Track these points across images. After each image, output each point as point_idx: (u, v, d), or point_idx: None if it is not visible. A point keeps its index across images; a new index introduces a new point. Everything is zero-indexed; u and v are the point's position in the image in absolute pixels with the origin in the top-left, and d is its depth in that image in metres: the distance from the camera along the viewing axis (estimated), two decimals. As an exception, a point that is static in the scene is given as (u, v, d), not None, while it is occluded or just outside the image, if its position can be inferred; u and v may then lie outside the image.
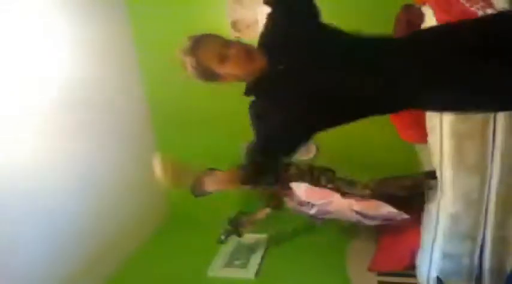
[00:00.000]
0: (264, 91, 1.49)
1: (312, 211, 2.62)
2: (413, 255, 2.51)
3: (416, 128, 2.56)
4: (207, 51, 1.39)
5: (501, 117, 1.96)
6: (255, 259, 2.96)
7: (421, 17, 2.13)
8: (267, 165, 1.62)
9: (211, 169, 2.79)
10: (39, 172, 2.38)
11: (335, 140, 3.34)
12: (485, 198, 2.09)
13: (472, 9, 1.75)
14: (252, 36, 3.17)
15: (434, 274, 2.25)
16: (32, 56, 2.37)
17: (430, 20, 2.00)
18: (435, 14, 1.91)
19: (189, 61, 1.42)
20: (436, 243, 2.23)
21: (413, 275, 2.48)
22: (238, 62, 1.39)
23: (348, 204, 2.53)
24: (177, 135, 3.56)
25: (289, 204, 2.75)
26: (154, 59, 3.40)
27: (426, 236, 2.34)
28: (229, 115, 3.38)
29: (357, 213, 2.50)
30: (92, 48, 2.86)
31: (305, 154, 3.38)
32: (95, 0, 2.94)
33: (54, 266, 2.46)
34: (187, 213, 3.39)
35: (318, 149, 3.39)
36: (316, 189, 2.64)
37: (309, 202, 2.60)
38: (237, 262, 2.97)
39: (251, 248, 3.09)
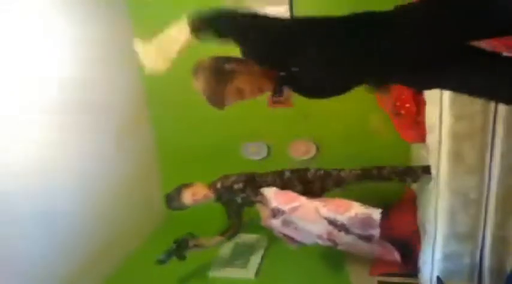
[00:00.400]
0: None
1: (280, 218, 2.51)
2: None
3: (416, 128, 2.56)
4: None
5: (501, 117, 1.96)
6: (255, 259, 2.96)
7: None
8: None
9: (187, 184, 2.77)
10: (38, 172, 2.37)
11: (335, 140, 3.37)
12: (485, 197, 2.09)
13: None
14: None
15: (436, 274, 2.25)
16: (32, 56, 2.37)
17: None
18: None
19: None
20: (436, 244, 2.23)
21: (414, 276, 2.48)
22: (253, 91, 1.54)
23: (315, 207, 2.44)
24: (177, 134, 3.56)
25: (264, 219, 2.65)
26: (154, 58, 3.39)
27: (427, 237, 2.34)
28: (229, 115, 3.38)
29: (328, 221, 2.39)
30: (92, 48, 2.85)
31: (305, 154, 3.39)
32: (95, 0, 2.94)
33: (54, 266, 2.46)
34: (186, 213, 3.38)
35: (317, 149, 3.39)
36: (285, 191, 2.58)
37: (279, 210, 2.50)
38: (237, 262, 2.97)
39: (251, 248, 3.09)
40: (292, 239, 2.59)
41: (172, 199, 2.70)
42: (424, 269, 2.35)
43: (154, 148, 3.67)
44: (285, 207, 2.49)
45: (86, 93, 2.77)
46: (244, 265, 2.93)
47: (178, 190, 2.70)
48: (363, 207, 2.40)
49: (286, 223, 2.51)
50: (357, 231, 2.39)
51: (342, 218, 2.39)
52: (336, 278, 2.69)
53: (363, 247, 2.44)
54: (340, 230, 2.40)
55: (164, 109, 3.54)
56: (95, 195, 2.85)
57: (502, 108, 1.95)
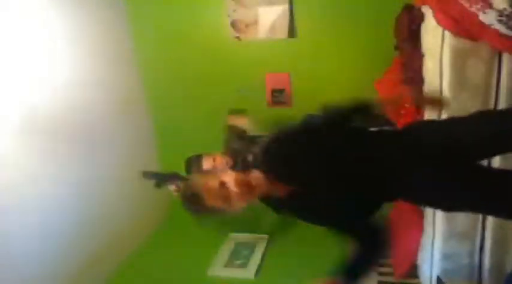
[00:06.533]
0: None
1: None
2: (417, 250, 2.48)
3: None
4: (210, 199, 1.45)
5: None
6: (255, 259, 2.96)
7: (421, 17, 2.14)
8: None
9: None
10: (38, 172, 2.38)
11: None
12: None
13: (472, 9, 1.75)
14: (252, 36, 3.18)
15: (436, 274, 2.25)
16: (32, 56, 2.38)
17: (430, 21, 2.00)
18: (435, 14, 1.91)
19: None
20: (435, 243, 2.23)
21: (414, 276, 2.48)
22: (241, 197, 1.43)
23: None
24: (176, 133, 3.56)
25: None
26: (154, 58, 3.40)
27: (426, 236, 2.34)
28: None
29: None
30: (91, 48, 2.86)
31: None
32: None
33: (54, 266, 2.46)
34: (187, 213, 3.39)
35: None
36: None
37: None
38: (237, 262, 2.97)
39: (251, 248, 3.09)
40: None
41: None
42: (423, 269, 2.36)
43: (155, 148, 3.67)
44: None
45: (85, 93, 2.78)
46: (244, 265, 2.93)
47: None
48: None
49: None
50: None
51: None
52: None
53: None
54: None
55: (164, 108, 3.54)
56: (96, 195, 2.86)
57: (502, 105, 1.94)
